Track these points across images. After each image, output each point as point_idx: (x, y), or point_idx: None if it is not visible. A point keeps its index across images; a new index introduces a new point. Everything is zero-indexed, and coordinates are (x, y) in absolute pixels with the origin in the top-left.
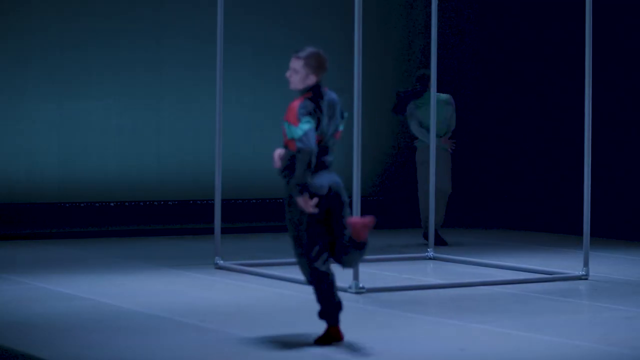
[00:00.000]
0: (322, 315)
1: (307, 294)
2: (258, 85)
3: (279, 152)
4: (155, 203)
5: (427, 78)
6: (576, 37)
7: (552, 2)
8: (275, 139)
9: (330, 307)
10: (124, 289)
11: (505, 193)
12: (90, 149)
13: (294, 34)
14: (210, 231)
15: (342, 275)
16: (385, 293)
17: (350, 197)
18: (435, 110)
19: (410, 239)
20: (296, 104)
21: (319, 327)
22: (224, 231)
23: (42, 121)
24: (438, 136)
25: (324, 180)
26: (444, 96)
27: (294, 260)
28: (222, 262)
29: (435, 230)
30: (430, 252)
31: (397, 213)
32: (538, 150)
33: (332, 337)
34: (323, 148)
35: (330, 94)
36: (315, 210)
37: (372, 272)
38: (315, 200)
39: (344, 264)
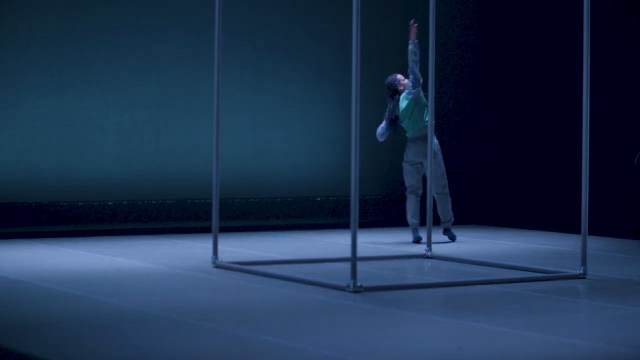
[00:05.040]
0: None
1: (306, 292)
2: (257, 83)
3: None
4: (154, 202)
5: (388, 87)
6: (575, 35)
7: (552, 3)
8: (275, 137)
9: None
10: (122, 287)
11: (503, 192)
12: (88, 148)
13: (294, 31)
14: (209, 230)
15: (340, 274)
16: (383, 292)
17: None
18: (433, 103)
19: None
20: None
21: (317, 325)
22: (222, 230)
23: (40, 119)
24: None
25: None
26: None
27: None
28: (220, 260)
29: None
30: (428, 251)
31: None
32: (536, 149)
33: None
34: None
35: None
36: None
37: (370, 271)
38: None
39: None
